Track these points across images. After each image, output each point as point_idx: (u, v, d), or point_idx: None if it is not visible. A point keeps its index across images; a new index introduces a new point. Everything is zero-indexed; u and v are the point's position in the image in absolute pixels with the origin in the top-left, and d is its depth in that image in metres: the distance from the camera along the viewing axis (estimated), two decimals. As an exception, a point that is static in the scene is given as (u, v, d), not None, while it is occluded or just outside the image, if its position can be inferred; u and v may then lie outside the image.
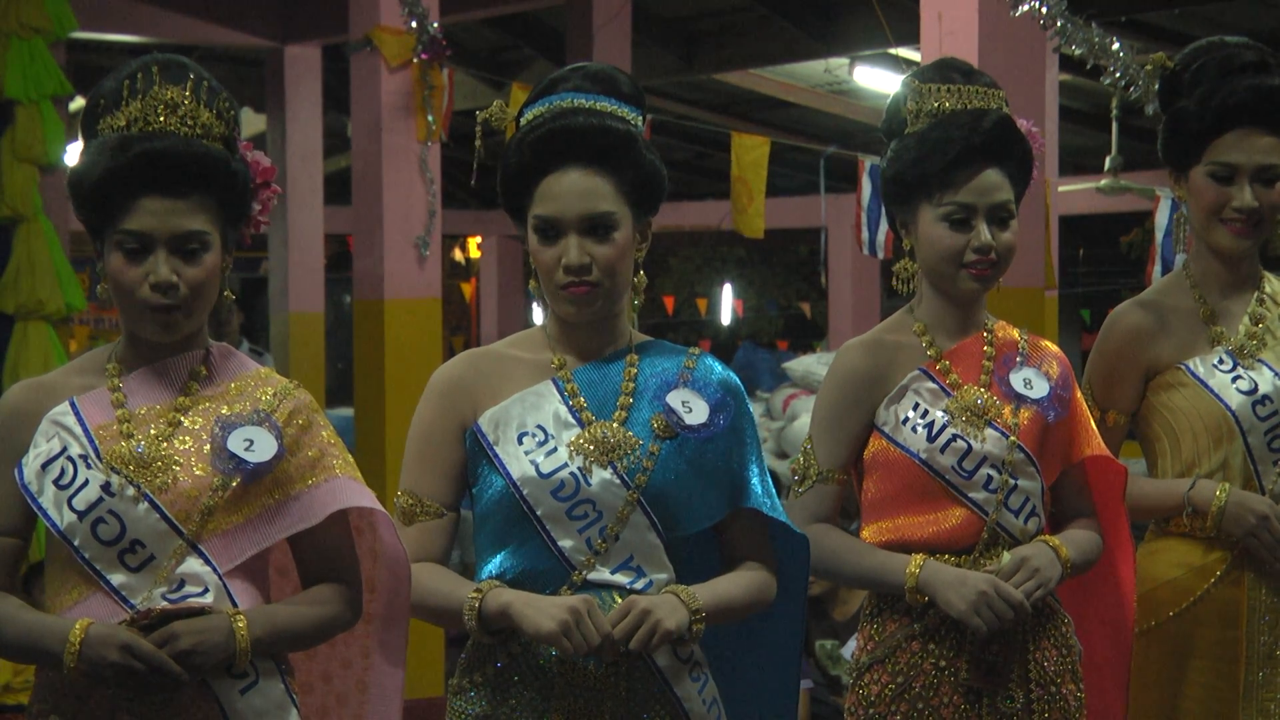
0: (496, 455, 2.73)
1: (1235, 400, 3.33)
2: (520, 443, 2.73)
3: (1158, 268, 6.94)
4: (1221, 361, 3.36)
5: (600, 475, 2.71)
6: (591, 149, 2.71)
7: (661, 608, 2.63)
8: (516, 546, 2.73)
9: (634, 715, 2.72)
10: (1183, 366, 3.38)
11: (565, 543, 2.70)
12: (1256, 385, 3.34)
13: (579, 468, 2.71)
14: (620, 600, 2.68)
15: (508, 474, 2.72)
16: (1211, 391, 3.34)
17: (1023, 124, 3.15)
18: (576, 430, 2.74)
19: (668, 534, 2.74)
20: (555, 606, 2.60)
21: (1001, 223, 3.07)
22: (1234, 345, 3.38)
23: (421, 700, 7.00)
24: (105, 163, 2.57)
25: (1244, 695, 3.32)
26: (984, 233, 3.05)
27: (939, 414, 3.06)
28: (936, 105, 3.10)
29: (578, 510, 2.71)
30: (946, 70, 3.15)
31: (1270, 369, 3.36)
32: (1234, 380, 3.34)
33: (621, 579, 2.71)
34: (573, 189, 2.70)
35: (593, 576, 2.70)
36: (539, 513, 2.71)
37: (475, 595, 2.66)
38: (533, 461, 2.71)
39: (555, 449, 2.72)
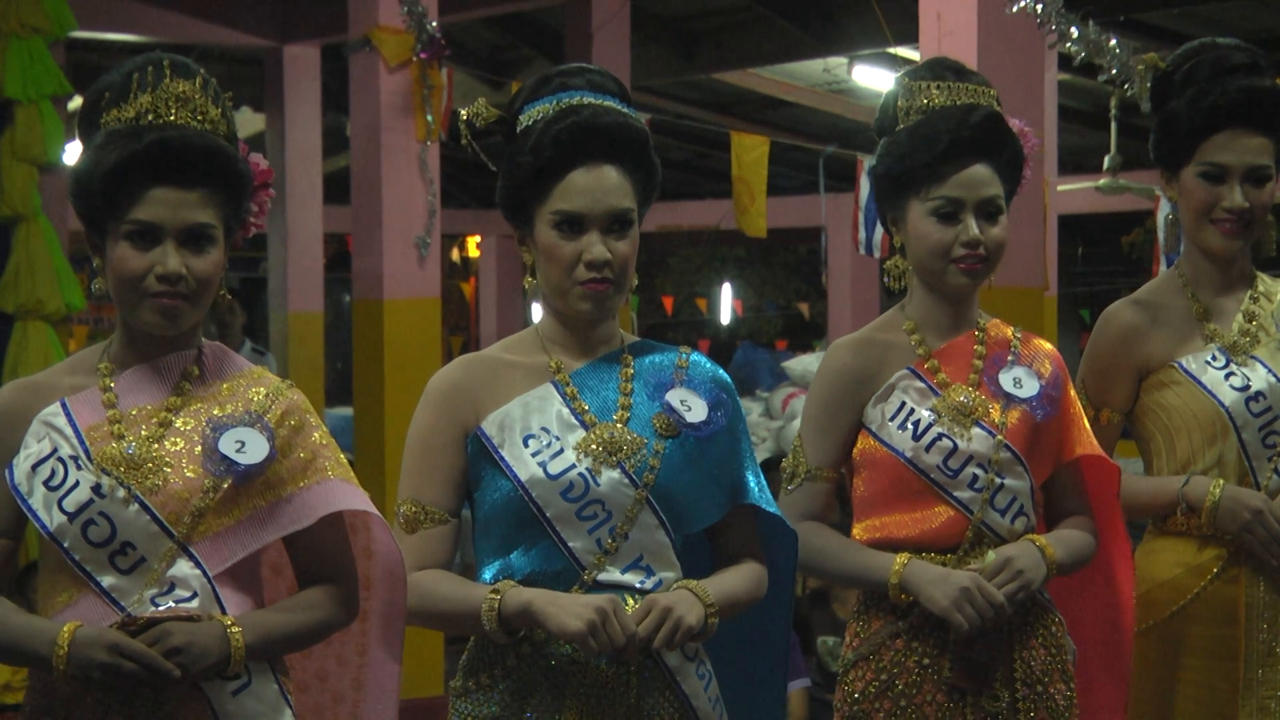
0: (503, 458, 2.73)
1: (1229, 397, 3.33)
2: (526, 445, 2.73)
3: (1163, 267, 6.95)
4: (1214, 358, 3.37)
5: (609, 475, 2.72)
6: (617, 146, 2.73)
7: (681, 604, 2.65)
8: (525, 549, 2.73)
9: (644, 713, 2.73)
10: (1176, 364, 3.38)
11: (575, 543, 2.71)
12: (1250, 382, 3.34)
13: (587, 468, 2.71)
14: (633, 601, 2.69)
15: (515, 477, 2.72)
16: (1204, 388, 3.35)
17: (1015, 123, 3.16)
18: (581, 432, 2.74)
19: (675, 532, 2.75)
20: (581, 605, 2.60)
21: (990, 218, 3.07)
22: (1227, 342, 3.38)
23: (420, 700, 6.99)
24: (120, 150, 2.55)
25: (1243, 693, 3.32)
26: (972, 227, 3.05)
27: (925, 413, 3.07)
28: (926, 102, 3.10)
29: (587, 510, 2.71)
30: (939, 69, 3.16)
31: (1264, 365, 3.36)
32: (1227, 377, 3.35)
33: (632, 579, 2.72)
34: (600, 185, 2.71)
35: (603, 577, 2.71)
36: (549, 514, 2.71)
37: (493, 595, 2.66)
38: (540, 464, 2.72)
39: (562, 450, 2.73)
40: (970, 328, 3.16)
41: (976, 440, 3.05)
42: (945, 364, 3.12)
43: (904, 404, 3.08)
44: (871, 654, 3.08)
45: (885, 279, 3.19)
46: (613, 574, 2.71)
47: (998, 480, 3.06)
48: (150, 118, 2.59)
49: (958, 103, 3.09)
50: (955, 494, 3.05)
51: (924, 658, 3.05)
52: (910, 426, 3.06)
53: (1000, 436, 3.06)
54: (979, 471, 3.05)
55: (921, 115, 3.09)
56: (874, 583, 3.06)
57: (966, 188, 3.05)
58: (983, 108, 3.09)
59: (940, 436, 3.05)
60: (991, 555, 3.02)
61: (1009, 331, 3.20)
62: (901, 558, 3.03)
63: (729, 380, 2.88)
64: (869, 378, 3.12)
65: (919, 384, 3.10)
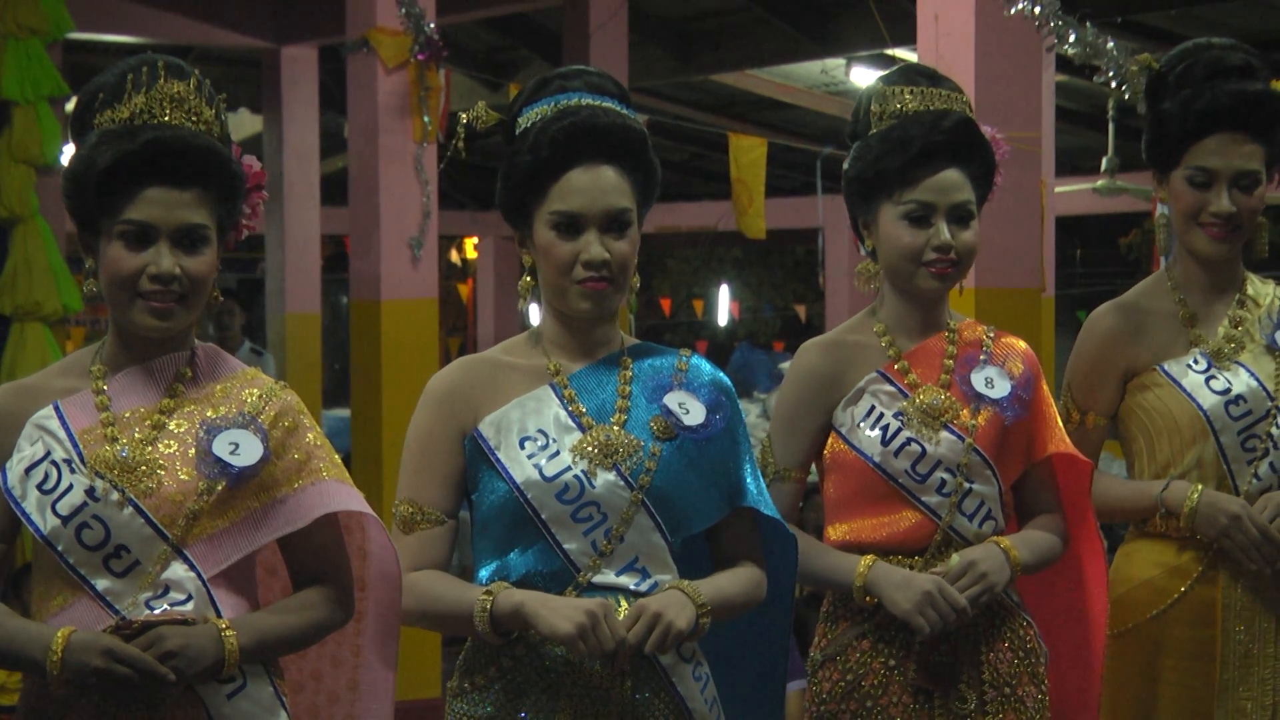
0: (499, 460, 2.74)
1: (1208, 400, 3.32)
2: (522, 447, 2.73)
3: (1163, 267, 6.95)
4: (1196, 362, 3.36)
5: (604, 477, 2.72)
6: (615, 146, 2.73)
7: (671, 608, 2.65)
8: (521, 551, 2.73)
9: (639, 714, 2.73)
10: (1158, 368, 3.37)
11: (570, 545, 2.71)
12: (1231, 385, 3.33)
13: (583, 470, 2.72)
14: (626, 603, 2.69)
15: (511, 478, 2.72)
16: (1184, 391, 3.34)
17: (987, 130, 3.17)
18: (578, 434, 2.74)
19: (671, 535, 2.75)
20: (572, 608, 2.60)
21: (962, 222, 3.08)
22: (1212, 348, 3.37)
23: (417, 701, 6.99)
24: (113, 150, 2.55)
25: (1220, 694, 3.32)
26: (943, 231, 3.06)
27: (894, 417, 3.07)
28: (899, 106, 3.12)
29: (582, 512, 2.71)
30: (912, 74, 3.18)
31: (1247, 370, 3.35)
32: (1208, 380, 3.33)
33: (627, 581, 2.72)
34: (597, 184, 2.72)
35: (597, 580, 2.71)
36: (543, 516, 2.71)
37: (486, 597, 2.66)
38: (536, 465, 2.72)
39: (558, 452, 2.73)
40: (941, 330, 3.17)
41: (944, 444, 3.06)
42: (916, 366, 3.13)
43: (873, 408, 3.09)
44: (838, 655, 3.10)
45: (855, 281, 3.21)
46: (608, 576, 2.71)
47: (966, 485, 3.07)
48: (144, 118, 2.59)
49: (930, 108, 3.10)
50: (923, 499, 3.07)
51: (889, 659, 3.06)
52: (879, 431, 3.07)
53: (969, 440, 3.07)
54: (947, 476, 3.06)
55: (894, 120, 3.11)
56: (839, 585, 3.08)
57: (938, 192, 3.06)
58: (955, 113, 3.10)
59: (909, 441, 3.06)
60: (955, 558, 3.03)
61: (981, 331, 3.20)
62: (866, 560, 3.04)
63: (729, 383, 2.88)
64: (838, 379, 3.13)
65: (888, 387, 3.11)
